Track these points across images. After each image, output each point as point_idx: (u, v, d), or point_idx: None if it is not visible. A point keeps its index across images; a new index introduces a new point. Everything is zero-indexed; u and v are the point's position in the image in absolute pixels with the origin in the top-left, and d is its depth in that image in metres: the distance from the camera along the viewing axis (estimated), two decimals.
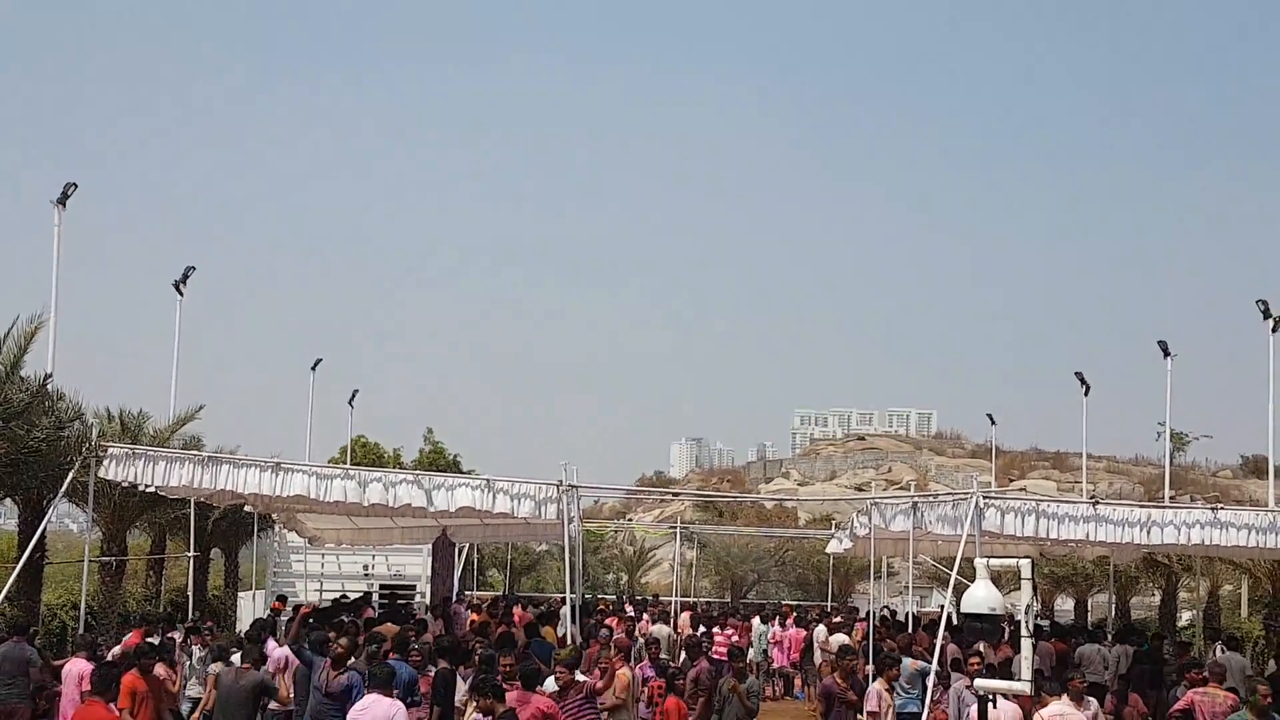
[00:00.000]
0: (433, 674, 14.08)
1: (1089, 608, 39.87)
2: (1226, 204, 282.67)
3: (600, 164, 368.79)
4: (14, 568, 17.28)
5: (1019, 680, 7.14)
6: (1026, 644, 7.05)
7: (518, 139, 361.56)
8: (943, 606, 36.58)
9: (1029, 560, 7.48)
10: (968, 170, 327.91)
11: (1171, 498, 38.79)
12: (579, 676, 13.35)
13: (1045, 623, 28.27)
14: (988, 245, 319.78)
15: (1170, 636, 29.61)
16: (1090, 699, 11.55)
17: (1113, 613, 34.26)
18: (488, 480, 17.82)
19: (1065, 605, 42.02)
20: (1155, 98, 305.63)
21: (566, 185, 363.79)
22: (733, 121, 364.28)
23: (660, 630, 25.64)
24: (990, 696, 7.01)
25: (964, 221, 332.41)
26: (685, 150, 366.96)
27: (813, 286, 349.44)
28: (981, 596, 6.97)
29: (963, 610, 7.32)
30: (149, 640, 15.58)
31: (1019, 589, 7.66)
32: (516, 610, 24.94)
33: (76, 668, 14.15)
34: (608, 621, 23.58)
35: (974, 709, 8.60)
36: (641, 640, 21.55)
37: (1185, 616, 35.12)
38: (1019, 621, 7.65)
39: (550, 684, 13.03)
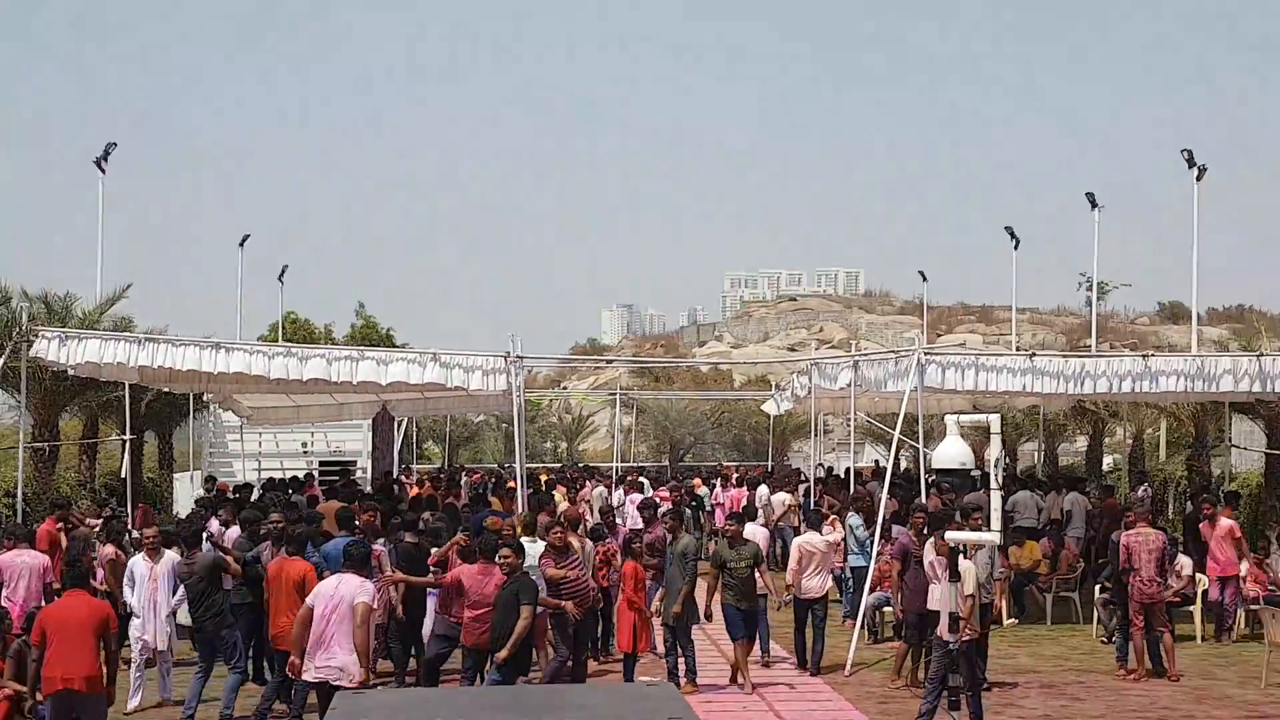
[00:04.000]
0: (391, 549, 14.05)
1: (1018, 455, 40.75)
2: (1152, 56, 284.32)
3: (529, 24, 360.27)
4: None
5: (989, 530, 7.27)
6: (996, 495, 7.14)
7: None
8: (876, 461, 37.26)
9: (999, 415, 7.54)
10: (892, 21, 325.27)
11: (1090, 346, 39.42)
12: (538, 543, 13.40)
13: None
14: (913, 101, 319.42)
15: (1097, 480, 30.45)
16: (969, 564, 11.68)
17: (1040, 460, 35.05)
18: (435, 354, 17.62)
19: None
20: None
21: (495, 50, 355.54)
22: None
23: (600, 492, 25.90)
24: (962, 547, 7.12)
25: (888, 77, 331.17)
26: (609, 10, 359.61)
27: (739, 148, 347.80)
28: (953, 452, 7.03)
29: (934, 466, 7.38)
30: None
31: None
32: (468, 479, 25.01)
33: (26, 559, 13.91)
34: (555, 490, 23.77)
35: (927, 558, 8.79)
36: (586, 506, 21.78)
37: (1108, 460, 36.04)
38: (987, 474, 7.74)
39: (536, 547, 13.17)
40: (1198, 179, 28.21)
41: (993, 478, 7.19)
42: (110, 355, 16.94)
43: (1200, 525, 17.46)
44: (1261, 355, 17.57)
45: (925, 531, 13.04)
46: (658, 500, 22.28)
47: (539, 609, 11.48)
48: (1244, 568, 16.66)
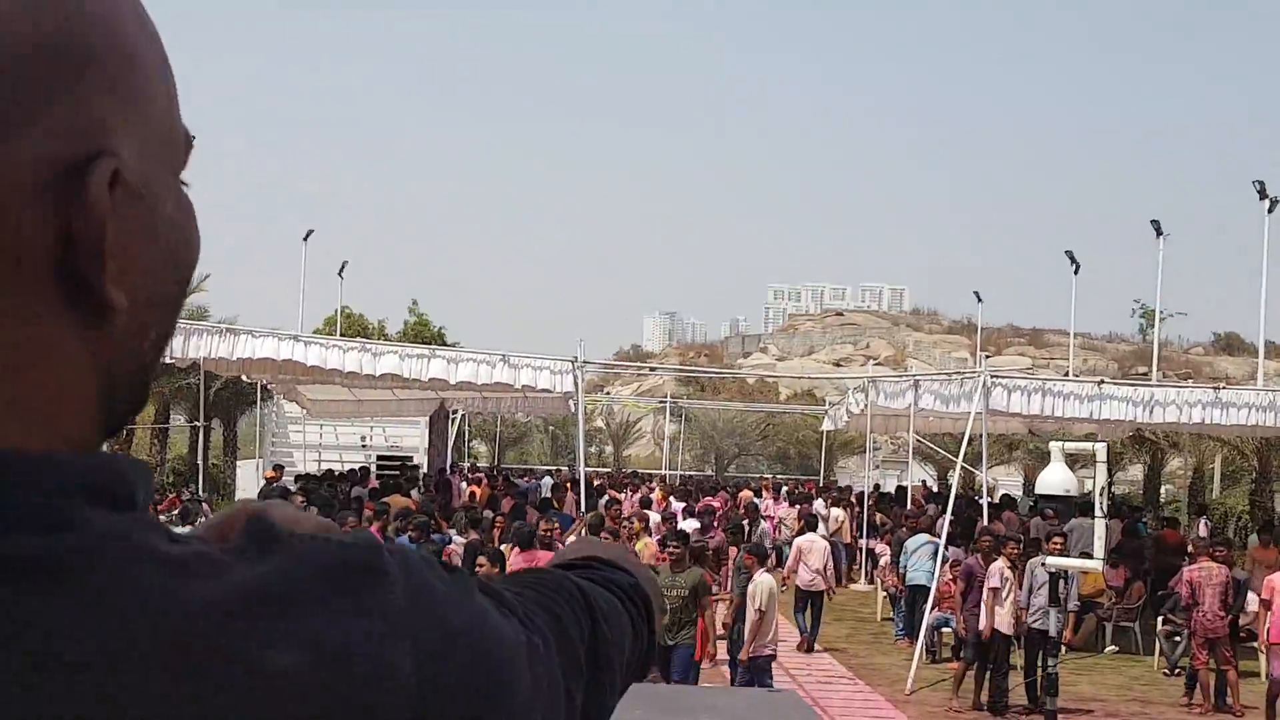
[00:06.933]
0: (461, 545, 14.31)
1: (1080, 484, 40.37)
2: (1222, 84, 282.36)
3: (576, 39, 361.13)
4: None
5: (1093, 558, 7.39)
6: (1100, 523, 7.24)
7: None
8: (924, 481, 37.19)
9: (1104, 444, 7.62)
10: (953, 41, 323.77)
11: (1144, 374, 39.10)
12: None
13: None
14: (970, 119, 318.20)
15: (1154, 510, 30.25)
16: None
17: (1097, 488, 34.77)
18: (504, 355, 17.92)
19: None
20: None
21: (538, 46, 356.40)
22: None
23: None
24: (1062, 573, 7.23)
25: (948, 94, 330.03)
26: (649, 20, 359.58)
27: (787, 158, 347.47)
28: (1057, 479, 7.14)
29: (1038, 492, 7.49)
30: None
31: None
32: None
33: None
34: (610, 493, 23.98)
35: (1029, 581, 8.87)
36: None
37: (1165, 491, 35.78)
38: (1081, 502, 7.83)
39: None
40: (1269, 211, 28.10)
41: (1097, 505, 7.28)
42: (192, 344, 17.27)
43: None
44: None
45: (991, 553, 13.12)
46: (712, 507, 22.46)
47: None
48: None
